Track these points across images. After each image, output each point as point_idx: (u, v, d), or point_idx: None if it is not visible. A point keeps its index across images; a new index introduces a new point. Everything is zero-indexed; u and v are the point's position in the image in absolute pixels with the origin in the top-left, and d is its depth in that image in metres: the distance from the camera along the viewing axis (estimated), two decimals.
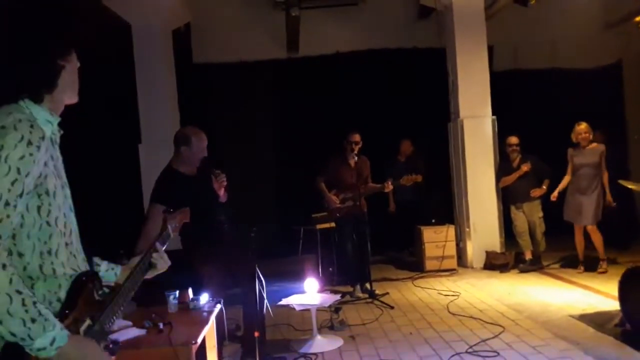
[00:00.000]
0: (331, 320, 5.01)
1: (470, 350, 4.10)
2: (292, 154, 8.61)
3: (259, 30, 8.79)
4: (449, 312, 5.22)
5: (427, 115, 8.11)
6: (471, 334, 4.51)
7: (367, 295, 5.92)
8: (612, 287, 4.88)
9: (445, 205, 7.62)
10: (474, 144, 7.28)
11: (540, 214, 6.86)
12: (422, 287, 6.33)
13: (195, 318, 3.20)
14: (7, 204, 1.34)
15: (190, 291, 3.63)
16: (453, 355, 4.02)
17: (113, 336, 1.68)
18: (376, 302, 5.73)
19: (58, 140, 1.59)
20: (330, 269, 6.79)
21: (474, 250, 7.23)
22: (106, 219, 7.10)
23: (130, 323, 3.01)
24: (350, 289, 6.20)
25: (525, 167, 6.77)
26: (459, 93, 7.34)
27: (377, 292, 5.99)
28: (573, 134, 6.42)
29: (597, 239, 6.28)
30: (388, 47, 9.00)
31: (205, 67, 8.69)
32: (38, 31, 1.48)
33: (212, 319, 3.26)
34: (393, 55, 8.92)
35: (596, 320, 4.57)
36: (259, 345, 3.89)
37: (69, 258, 1.55)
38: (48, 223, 1.48)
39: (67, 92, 1.58)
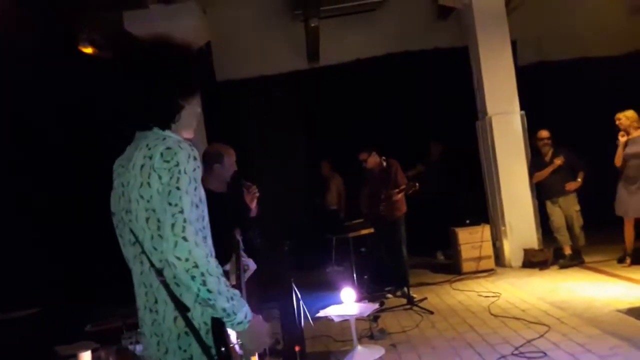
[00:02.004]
0: (370, 329, 4.96)
1: (516, 352, 4.01)
2: (320, 163, 8.61)
3: (278, 43, 8.84)
4: (490, 314, 5.11)
5: (454, 115, 8.01)
6: (515, 335, 4.40)
7: (405, 301, 5.85)
8: None
9: (478, 204, 7.49)
10: (504, 140, 7.15)
11: (577, 208, 6.68)
12: (460, 290, 6.23)
13: None
14: (197, 206, 1.63)
15: None
16: (499, 358, 3.94)
17: None
18: (415, 308, 5.65)
19: None
20: (365, 276, 6.73)
21: (511, 249, 7.07)
22: None
23: None
24: (389, 296, 6.16)
25: (558, 161, 6.61)
26: (485, 90, 7.23)
27: (415, 297, 5.92)
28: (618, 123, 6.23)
29: None
30: (408, 50, 8.97)
31: (228, 84, 8.78)
32: (168, 75, 1.75)
33: None
34: (414, 58, 8.88)
35: None
36: (300, 358, 3.88)
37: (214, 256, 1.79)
38: (204, 227, 1.72)
39: (185, 128, 1.84)
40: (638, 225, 6.21)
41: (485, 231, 6.98)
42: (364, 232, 6.45)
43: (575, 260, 6.58)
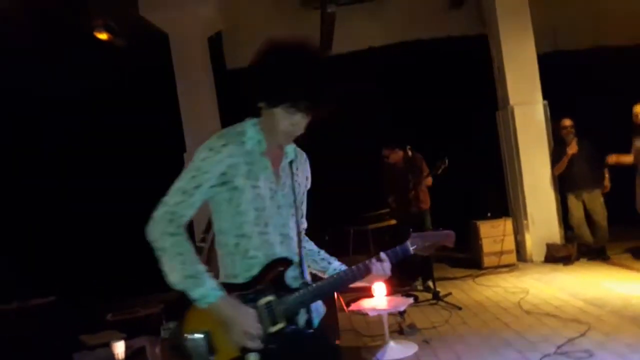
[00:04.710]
0: (399, 324, 4.83)
1: (559, 351, 3.87)
2: (334, 154, 8.41)
3: (289, 31, 8.58)
4: (522, 310, 4.98)
5: (469, 105, 7.84)
6: (554, 333, 4.27)
7: (430, 296, 5.71)
8: None
9: (499, 197, 7.33)
10: (526, 131, 6.99)
11: (602, 200, 6.51)
12: (485, 285, 6.09)
13: None
14: (185, 192, 1.77)
15: None
16: (543, 358, 3.79)
17: None
18: (441, 303, 5.52)
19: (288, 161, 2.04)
20: None
21: (534, 243, 6.94)
22: None
23: None
24: (419, 288, 6.08)
25: (570, 150, 6.43)
26: (507, 79, 7.07)
27: (439, 291, 5.78)
28: (633, 117, 6.10)
29: None
30: (421, 39, 8.77)
31: (238, 72, 8.56)
32: (251, 77, 1.88)
33: None
34: (427, 46, 8.67)
35: None
36: None
37: (263, 244, 1.84)
38: (239, 213, 1.82)
39: (273, 133, 1.90)
40: None
41: (507, 225, 6.82)
42: (384, 224, 6.37)
43: (599, 256, 6.44)
